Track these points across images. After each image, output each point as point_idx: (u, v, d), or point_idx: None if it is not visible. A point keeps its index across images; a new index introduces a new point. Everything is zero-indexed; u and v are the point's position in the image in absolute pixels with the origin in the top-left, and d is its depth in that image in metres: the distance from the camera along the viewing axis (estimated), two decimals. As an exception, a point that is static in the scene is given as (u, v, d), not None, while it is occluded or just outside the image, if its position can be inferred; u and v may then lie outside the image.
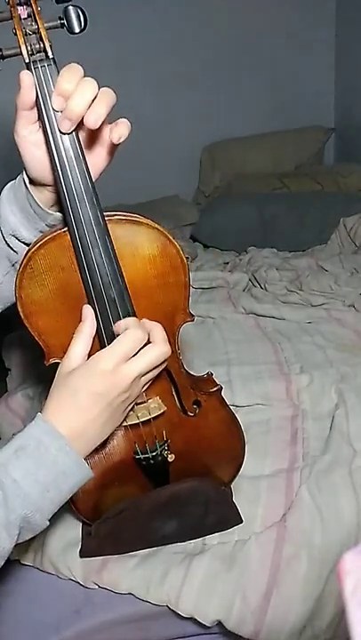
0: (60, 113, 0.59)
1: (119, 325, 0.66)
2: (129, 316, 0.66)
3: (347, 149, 2.90)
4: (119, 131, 0.61)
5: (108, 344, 0.65)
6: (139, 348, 0.63)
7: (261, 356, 1.34)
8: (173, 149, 2.64)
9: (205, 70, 2.66)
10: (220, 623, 0.78)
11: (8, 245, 0.70)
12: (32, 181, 0.67)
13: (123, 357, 0.62)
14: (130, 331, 0.63)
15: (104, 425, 0.63)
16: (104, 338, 0.66)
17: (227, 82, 2.71)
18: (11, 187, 0.70)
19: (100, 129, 0.62)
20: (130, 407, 0.68)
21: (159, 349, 0.64)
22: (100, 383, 0.61)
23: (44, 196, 0.68)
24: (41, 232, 0.69)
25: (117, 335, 0.64)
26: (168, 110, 2.59)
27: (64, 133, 0.60)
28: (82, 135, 0.63)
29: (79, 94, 0.57)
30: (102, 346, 0.66)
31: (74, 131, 0.60)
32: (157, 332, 0.66)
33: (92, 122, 0.58)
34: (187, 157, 2.76)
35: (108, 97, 0.59)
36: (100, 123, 0.59)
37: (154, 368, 0.65)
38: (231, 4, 2.58)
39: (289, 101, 2.82)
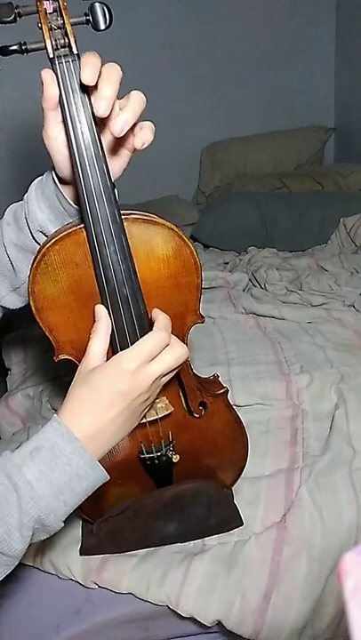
0: (81, 109, 0.59)
1: (155, 313, 0.66)
2: (140, 315, 0.66)
3: (347, 149, 2.90)
4: (143, 136, 0.61)
5: (120, 342, 0.65)
6: (161, 349, 0.63)
7: (261, 356, 1.34)
8: (173, 149, 2.63)
9: (205, 70, 2.65)
10: (219, 623, 0.78)
11: (35, 241, 0.70)
12: (60, 179, 0.67)
13: (146, 358, 0.62)
14: (155, 333, 0.63)
15: (121, 426, 0.62)
16: (115, 336, 0.66)
17: (227, 82, 2.70)
18: (38, 183, 0.70)
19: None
20: (147, 409, 0.68)
21: (179, 351, 0.64)
22: (122, 382, 0.60)
23: (73, 194, 0.68)
24: None
25: (151, 318, 0.64)
26: (168, 110, 2.59)
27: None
28: (105, 138, 0.63)
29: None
30: (113, 344, 0.66)
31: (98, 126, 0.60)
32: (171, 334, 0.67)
33: (119, 130, 0.58)
34: (187, 157, 2.76)
35: (137, 104, 0.59)
36: (125, 131, 0.58)
37: (173, 369, 0.65)
38: (231, 4, 2.58)
39: (289, 101, 2.82)
